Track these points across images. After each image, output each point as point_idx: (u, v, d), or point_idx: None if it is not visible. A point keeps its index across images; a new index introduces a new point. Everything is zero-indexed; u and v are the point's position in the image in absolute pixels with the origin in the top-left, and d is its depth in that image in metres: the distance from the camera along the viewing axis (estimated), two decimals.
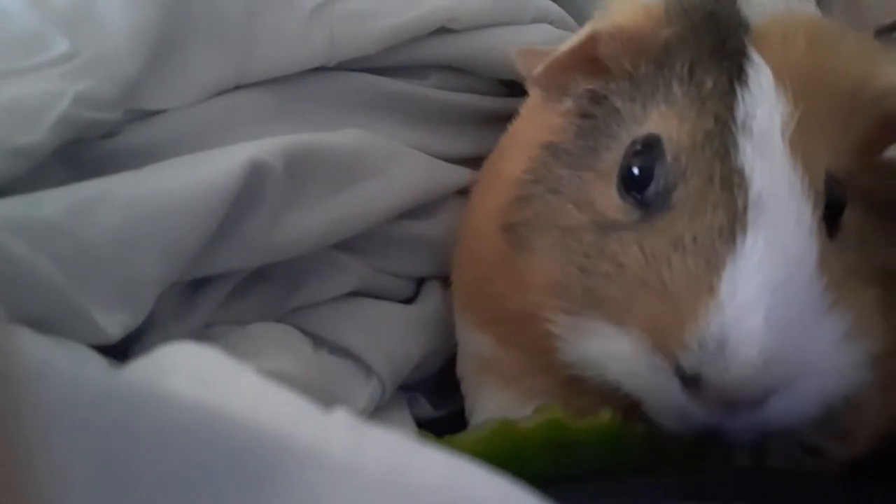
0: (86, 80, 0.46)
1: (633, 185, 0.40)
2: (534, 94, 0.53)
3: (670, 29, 0.43)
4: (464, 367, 0.53)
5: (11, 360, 0.22)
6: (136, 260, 0.43)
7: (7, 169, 0.42)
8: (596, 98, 0.45)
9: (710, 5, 0.44)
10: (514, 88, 0.63)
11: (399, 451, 0.24)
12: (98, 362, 0.40)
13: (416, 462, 0.24)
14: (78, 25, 0.48)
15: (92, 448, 0.22)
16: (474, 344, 0.51)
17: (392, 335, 0.55)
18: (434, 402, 0.59)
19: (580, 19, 0.68)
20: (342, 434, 0.24)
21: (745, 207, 0.37)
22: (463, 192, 0.61)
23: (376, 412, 0.54)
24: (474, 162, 0.62)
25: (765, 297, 0.35)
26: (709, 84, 0.40)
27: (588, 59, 0.45)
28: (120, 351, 0.43)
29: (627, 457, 0.38)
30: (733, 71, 0.40)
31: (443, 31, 0.60)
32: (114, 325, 0.42)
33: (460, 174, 0.60)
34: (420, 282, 0.60)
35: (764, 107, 0.39)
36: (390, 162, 0.55)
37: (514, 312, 0.44)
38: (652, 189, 0.39)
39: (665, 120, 0.40)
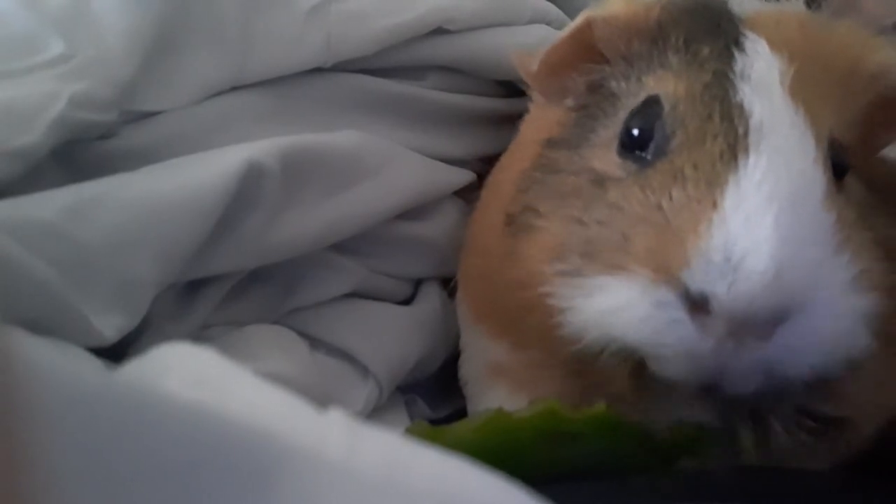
0: (82, 81, 0.46)
1: (633, 146, 0.40)
2: (535, 101, 0.54)
3: (663, 11, 0.43)
4: (470, 372, 0.53)
5: (7, 361, 0.21)
6: (132, 261, 0.43)
7: (3, 170, 0.42)
8: (592, 87, 0.45)
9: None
10: (512, 89, 0.63)
11: (395, 451, 0.24)
12: (94, 364, 0.40)
13: (412, 463, 0.24)
14: (74, 27, 0.48)
15: (88, 449, 0.22)
16: (487, 351, 0.50)
17: (389, 337, 0.55)
18: (432, 404, 0.59)
19: None
20: (338, 435, 0.24)
21: (746, 133, 0.36)
22: (460, 193, 0.61)
23: (373, 414, 0.54)
24: (472, 163, 0.62)
25: (772, 208, 0.34)
26: (705, 51, 0.40)
27: (584, 48, 0.45)
28: (116, 353, 0.43)
29: (621, 449, 0.37)
30: (731, 40, 0.40)
31: (440, 31, 0.60)
32: (110, 327, 0.42)
33: (458, 175, 0.60)
34: (418, 283, 0.60)
35: (762, 62, 0.39)
36: (387, 163, 0.55)
37: (519, 305, 0.43)
38: (652, 145, 0.39)
39: (662, 80, 0.41)
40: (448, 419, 0.56)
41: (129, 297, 0.43)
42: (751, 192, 0.34)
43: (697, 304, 0.34)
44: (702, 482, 0.37)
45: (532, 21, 0.65)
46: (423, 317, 0.58)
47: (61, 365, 0.23)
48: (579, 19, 0.45)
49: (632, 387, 0.38)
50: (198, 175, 0.46)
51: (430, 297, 0.59)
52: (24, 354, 0.22)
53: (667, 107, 0.39)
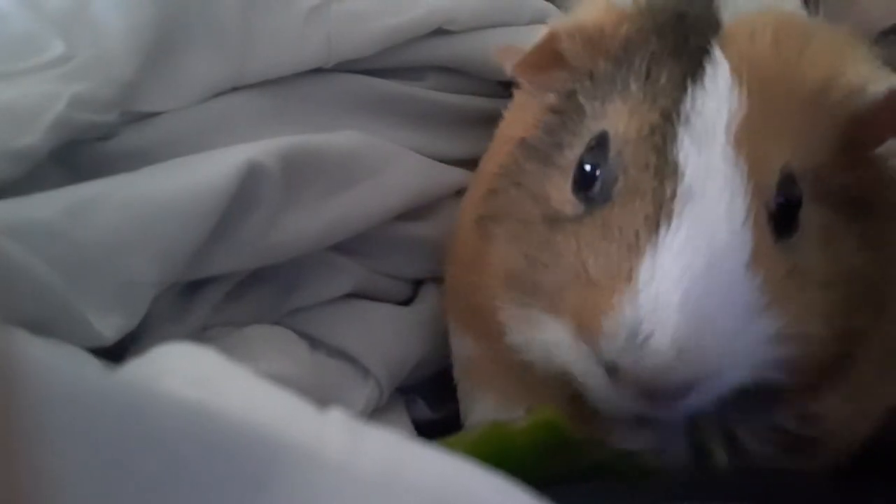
0: (82, 82, 0.46)
1: (584, 182, 0.40)
2: (519, 92, 0.53)
3: (631, 26, 0.42)
4: (456, 371, 0.53)
5: (7, 361, 0.22)
6: (131, 262, 0.43)
7: (3, 171, 0.42)
8: (568, 94, 0.44)
9: (680, 5, 0.43)
10: (512, 89, 0.63)
11: (395, 450, 0.24)
12: (94, 364, 0.40)
13: (412, 461, 0.24)
14: (74, 27, 0.48)
15: (89, 448, 0.22)
16: (460, 346, 0.51)
17: (389, 337, 0.55)
18: (432, 405, 0.59)
19: None
20: (338, 434, 0.24)
21: (674, 195, 0.36)
22: (460, 193, 0.61)
23: (374, 414, 0.53)
24: (471, 163, 0.61)
25: (682, 286, 0.34)
26: (663, 80, 0.39)
27: (554, 57, 0.44)
28: (115, 354, 0.42)
29: (619, 461, 0.38)
30: (691, 67, 0.39)
31: (440, 32, 0.60)
32: (109, 328, 0.42)
33: (457, 175, 0.60)
34: (417, 283, 0.60)
35: (712, 101, 0.38)
36: (387, 163, 0.55)
37: (478, 303, 0.44)
38: (597, 185, 0.39)
39: (617, 116, 0.40)
40: (448, 419, 0.56)
41: (128, 298, 0.43)
42: (665, 267, 0.35)
43: (610, 369, 0.35)
44: (703, 482, 0.37)
45: (532, 21, 0.65)
46: (423, 317, 0.58)
47: (62, 365, 0.23)
48: (544, 31, 0.44)
49: (573, 409, 0.39)
50: (198, 175, 0.46)
51: (430, 298, 0.59)
52: (25, 354, 0.22)
53: (613, 149, 0.39)
